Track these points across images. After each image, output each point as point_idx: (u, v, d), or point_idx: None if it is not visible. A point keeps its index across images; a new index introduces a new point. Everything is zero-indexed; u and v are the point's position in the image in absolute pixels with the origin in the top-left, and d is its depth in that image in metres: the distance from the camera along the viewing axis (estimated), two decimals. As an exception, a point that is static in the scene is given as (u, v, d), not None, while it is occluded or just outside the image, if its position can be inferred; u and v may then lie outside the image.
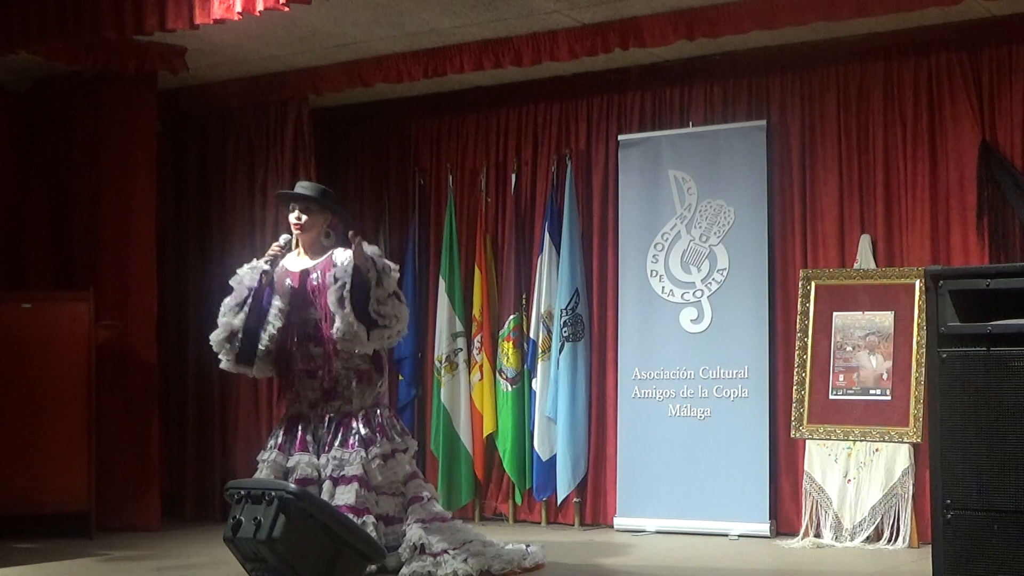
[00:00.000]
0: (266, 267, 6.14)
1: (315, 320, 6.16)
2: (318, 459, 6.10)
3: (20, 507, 7.46)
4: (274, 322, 6.14)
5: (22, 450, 7.45)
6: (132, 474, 7.86)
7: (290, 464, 6.11)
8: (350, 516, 5.80)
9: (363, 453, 6.04)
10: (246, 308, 6.14)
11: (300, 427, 6.19)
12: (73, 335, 7.56)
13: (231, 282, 6.28)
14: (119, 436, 7.82)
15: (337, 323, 5.99)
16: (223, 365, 6.29)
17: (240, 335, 6.13)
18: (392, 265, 6.20)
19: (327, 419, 6.16)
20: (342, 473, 6.01)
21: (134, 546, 7.26)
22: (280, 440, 6.19)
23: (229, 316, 6.18)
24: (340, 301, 5.98)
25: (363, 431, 6.10)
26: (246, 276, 6.23)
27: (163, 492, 8.19)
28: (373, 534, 5.86)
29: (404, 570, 5.88)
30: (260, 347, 6.13)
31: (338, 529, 5.26)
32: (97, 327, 7.65)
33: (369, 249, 6.08)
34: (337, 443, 6.08)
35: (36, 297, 7.72)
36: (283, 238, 6.30)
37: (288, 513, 5.08)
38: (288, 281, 6.21)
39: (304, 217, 6.23)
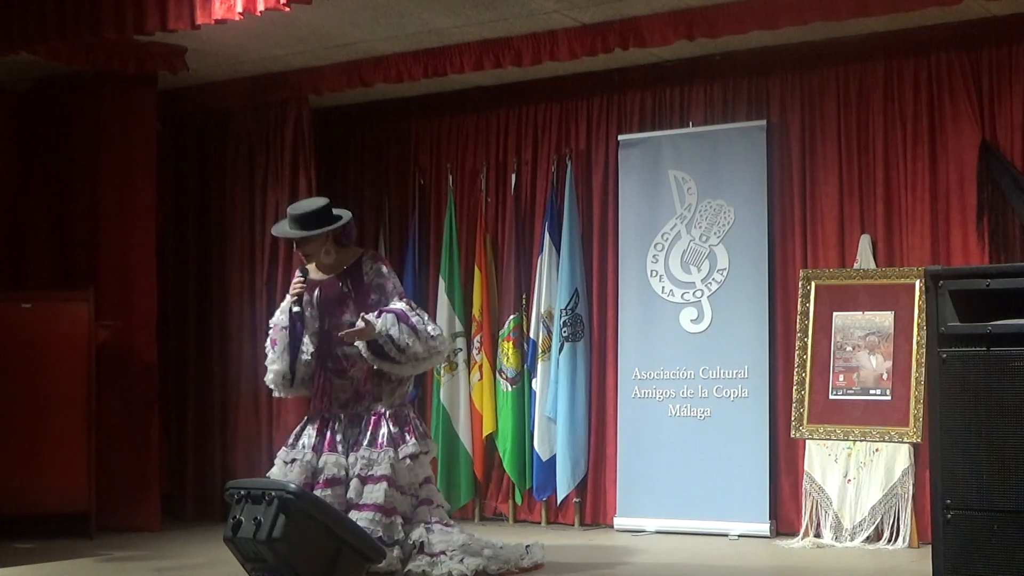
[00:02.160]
0: (296, 309, 6.21)
1: (349, 323, 6.19)
2: (347, 458, 6.13)
3: (20, 507, 7.46)
4: (307, 350, 6.28)
5: (22, 450, 7.45)
6: (132, 474, 7.86)
7: (320, 464, 6.13)
8: (377, 515, 5.92)
9: (392, 452, 6.08)
10: (287, 351, 6.26)
11: (330, 427, 6.22)
12: (73, 335, 7.56)
13: (271, 332, 6.37)
14: (119, 436, 7.82)
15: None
16: (277, 394, 6.49)
17: (288, 374, 6.29)
18: (419, 328, 6.15)
19: (356, 418, 6.20)
20: (370, 472, 6.05)
21: (134, 546, 7.26)
22: (314, 441, 6.21)
23: (277, 364, 6.28)
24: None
25: (392, 430, 6.15)
26: (280, 321, 6.31)
27: (163, 492, 8.19)
28: (400, 534, 5.97)
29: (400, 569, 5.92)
30: (298, 373, 6.29)
31: (338, 529, 5.27)
32: (97, 327, 7.65)
33: (383, 327, 6.05)
34: (366, 442, 6.12)
35: (36, 297, 7.72)
36: (299, 272, 6.33)
37: (288, 513, 5.08)
38: (317, 291, 6.25)
39: (301, 248, 6.28)
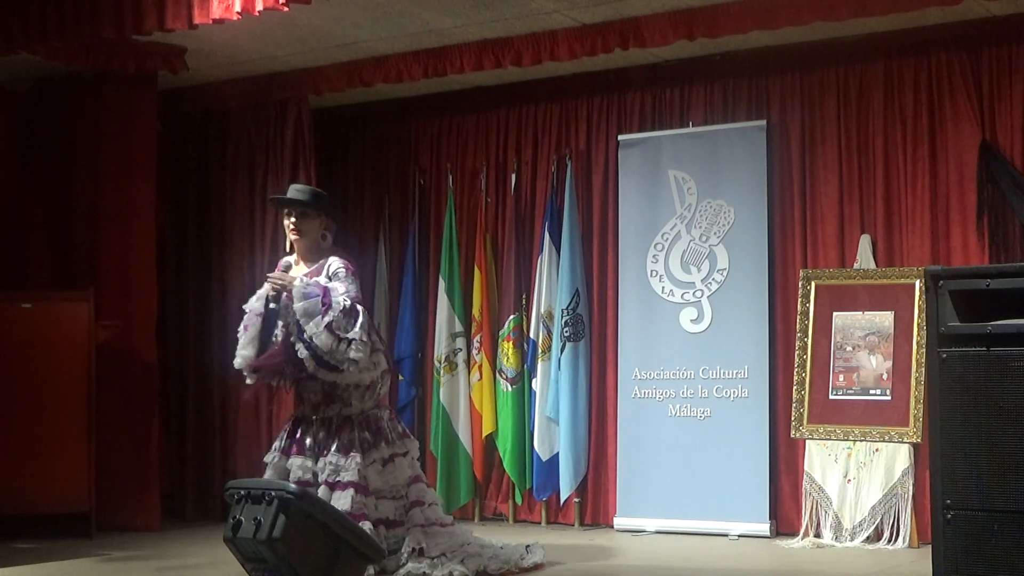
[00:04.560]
0: (272, 306, 6.08)
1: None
2: (315, 463, 6.08)
3: (20, 507, 7.46)
4: (280, 336, 6.14)
5: (22, 450, 7.45)
6: (132, 474, 7.86)
7: (288, 466, 6.11)
8: None
9: (358, 459, 6.00)
10: (258, 339, 6.13)
11: (301, 430, 6.18)
12: (73, 335, 7.56)
13: (245, 315, 6.24)
14: (119, 436, 7.82)
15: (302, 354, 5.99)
16: (249, 381, 6.31)
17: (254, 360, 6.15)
18: (323, 324, 5.92)
19: (327, 422, 6.14)
20: (337, 479, 5.98)
21: (134, 546, 7.26)
22: (284, 443, 6.19)
23: (247, 350, 6.14)
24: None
25: (362, 435, 6.07)
26: (255, 307, 6.17)
27: (163, 492, 8.19)
28: (422, 540, 5.94)
29: (400, 571, 5.88)
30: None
31: (338, 529, 5.26)
32: (97, 327, 7.65)
33: (298, 308, 5.93)
34: (334, 448, 6.03)
35: (36, 297, 7.72)
36: (283, 262, 6.29)
37: (288, 513, 5.08)
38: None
39: (299, 222, 6.20)
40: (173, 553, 7.02)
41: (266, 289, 6.13)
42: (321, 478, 6.02)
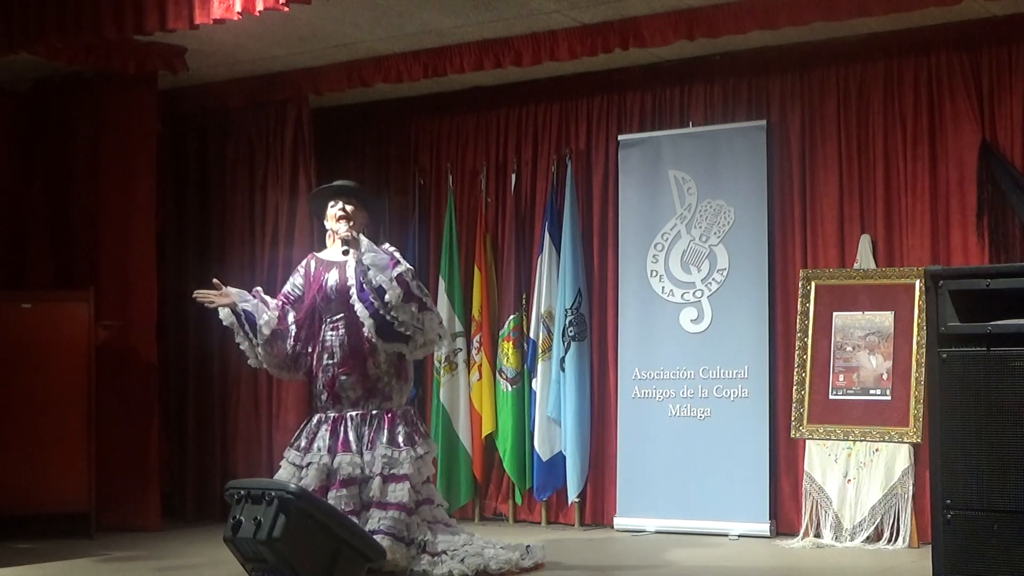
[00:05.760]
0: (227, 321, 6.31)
1: (351, 316, 6.19)
2: (362, 457, 6.12)
3: (20, 507, 7.46)
4: (262, 321, 6.29)
5: (22, 450, 7.45)
6: (132, 474, 7.86)
7: (334, 465, 6.11)
8: (402, 514, 5.94)
9: (412, 452, 6.11)
10: (244, 337, 6.34)
11: (344, 427, 6.19)
12: (73, 335, 7.56)
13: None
14: (119, 436, 7.82)
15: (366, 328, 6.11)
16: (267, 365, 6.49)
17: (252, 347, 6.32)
18: (393, 275, 6.05)
19: (370, 416, 6.18)
20: (392, 471, 6.06)
21: (134, 546, 7.26)
22: (328, 442, 6.16)
23: (245, 347, 6.35)
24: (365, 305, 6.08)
25: (406, 430, 6.17)
26: (225, 319, 6.34)
27: (163, 492, 8.19)
28: (417, 534, 6.02)
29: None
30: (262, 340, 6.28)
31: (338, 529, 5.27)
32: (97, 327, 7.65)
33: (367, 258, 6.05)
34: (384, 440, 6.10)
35: (36, 297, 7.72)
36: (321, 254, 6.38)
37: (288, 513, 5.09)
38: (336, 274, 6.25)
39: (350, 209, 6.28)
40: (173, 553, 7.02)
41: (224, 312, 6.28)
42: (373, 470, 6.07)
